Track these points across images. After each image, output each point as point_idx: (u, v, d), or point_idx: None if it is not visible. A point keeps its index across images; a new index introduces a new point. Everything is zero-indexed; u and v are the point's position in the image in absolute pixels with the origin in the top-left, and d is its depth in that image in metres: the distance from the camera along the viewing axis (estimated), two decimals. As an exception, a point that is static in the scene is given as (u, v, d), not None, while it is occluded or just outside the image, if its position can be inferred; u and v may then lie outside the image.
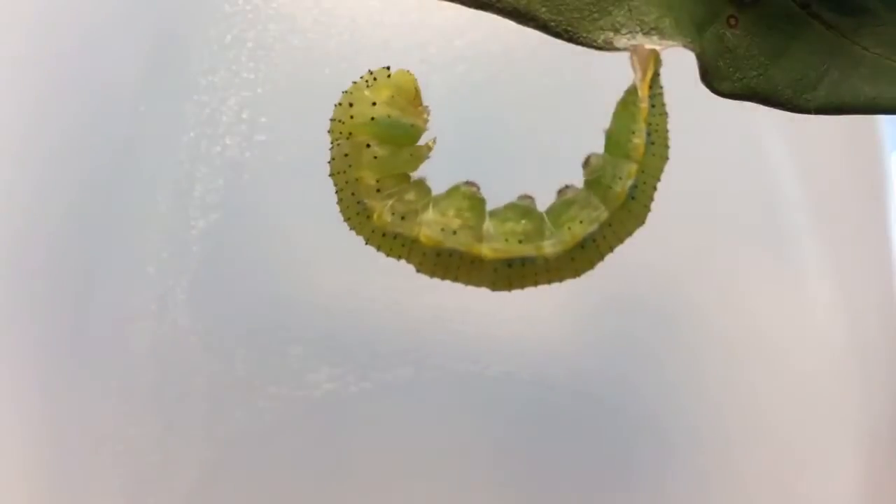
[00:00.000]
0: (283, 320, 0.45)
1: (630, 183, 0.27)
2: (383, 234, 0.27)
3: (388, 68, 0.26)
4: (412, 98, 0.26)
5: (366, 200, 0.26)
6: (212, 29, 0.46)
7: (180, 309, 0.44)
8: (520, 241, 0.27)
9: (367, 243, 0.27)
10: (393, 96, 0.26)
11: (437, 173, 0.28)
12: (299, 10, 0.47)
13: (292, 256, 0.46)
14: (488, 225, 0.27)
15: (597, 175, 0.28)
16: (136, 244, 0.45)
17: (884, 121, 0.53)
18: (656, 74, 0.27)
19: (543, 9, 0.24)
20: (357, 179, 0.26)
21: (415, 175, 0.27)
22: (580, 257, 0.27)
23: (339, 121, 0.26)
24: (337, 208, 0.27)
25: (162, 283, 0.45)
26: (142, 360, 0.44)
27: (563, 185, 0.29)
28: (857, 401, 0.49)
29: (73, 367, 0.45)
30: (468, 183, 0.28)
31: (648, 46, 0.25)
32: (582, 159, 0.29)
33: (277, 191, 0.46)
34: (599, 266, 0.28)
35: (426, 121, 0.27)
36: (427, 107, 0.27)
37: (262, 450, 0.45)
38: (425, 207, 0.27)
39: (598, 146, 0.29)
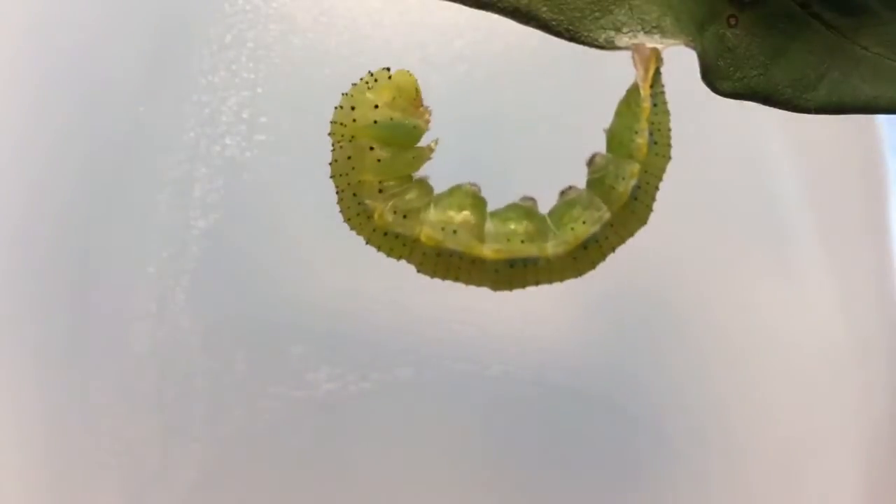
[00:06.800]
0: (283, 320, 0.45)
1: (633, 183, 0.27)
2: (384, 234, 0.27)
3: (388, 69, 0.26)
4: (413, 98, 0.26)
5: (368, 201, 0.26)
6: (212, 29, 0.46)
7: (180, 309, 0.44)
8: (522, 242, 0.27)
9: (367, 243, 0.27)
10: (394, 98, 0.26)
11: (438, 173, 0.28)
12: (299, 10, 0.47)
13: (292, 256, 0.46)
14: (489, 225, 0.27)
15: (600, 175, 0.28)
16: (136, 244, 0.45)
17: (884, 121, 0.53)
18: (658, 73, 0.27)
19: (544, 8, 0.24)
20: (360, 182, 0.26)
21: (416, 175, 0.27)
22: (582, 257, 0.27)
23: (341, 123, 0.26)
24: (337, 208, 0.27)
25: (162, 284, 0.45)
26: (142, 360, 0.44)
27: (564, 185, 0.29)
28: (857, 399, 0.49)
29: (73, 367, 0.45)
30: (470, 183, 0.28)
31: (650, 45, 0.25)
32: (582, 159, 0.29)
33: (277, 191, 0.46)
34: (600, 266, 0.28)
35: (427, 122, 0.26)
36: (428, 107, 0.27)
37: (262, 450, 0.45)
38: (427, 206, 0.27)
39: (598, 146, 0.29)
